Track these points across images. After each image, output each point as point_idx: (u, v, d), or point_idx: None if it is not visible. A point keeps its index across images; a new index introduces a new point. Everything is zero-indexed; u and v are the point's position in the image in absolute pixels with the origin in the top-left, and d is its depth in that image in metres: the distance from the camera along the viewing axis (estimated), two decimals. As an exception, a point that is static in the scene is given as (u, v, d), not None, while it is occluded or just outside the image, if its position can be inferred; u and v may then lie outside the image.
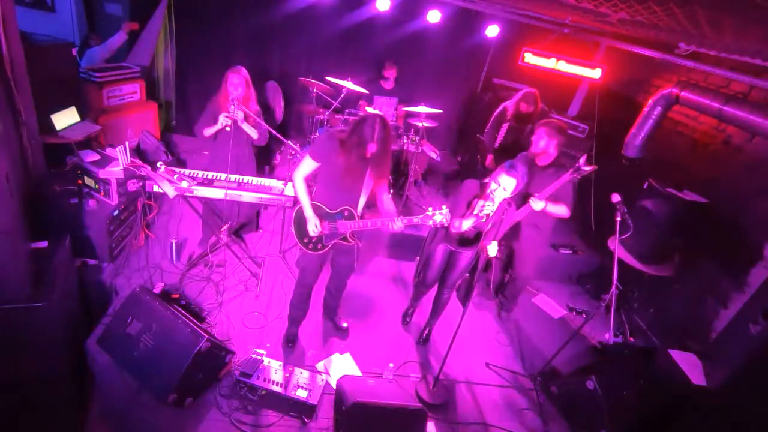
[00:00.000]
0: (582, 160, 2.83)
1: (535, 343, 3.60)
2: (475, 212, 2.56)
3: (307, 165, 2.58)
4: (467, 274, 3.12)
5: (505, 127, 4.18)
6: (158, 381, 2.36)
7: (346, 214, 2.60)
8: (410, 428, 2.42)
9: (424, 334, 3.39)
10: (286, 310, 3.13)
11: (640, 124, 4.11)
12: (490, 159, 4.26)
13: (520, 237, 3.37)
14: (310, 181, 2.69)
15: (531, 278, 3.68)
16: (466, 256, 2.95)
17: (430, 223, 2.41)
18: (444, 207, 2.39)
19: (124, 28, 4.21)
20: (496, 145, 4.26)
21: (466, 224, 2.63)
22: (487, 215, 2.53)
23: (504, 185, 2.49)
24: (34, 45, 3.47)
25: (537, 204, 2.92)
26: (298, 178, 2.59)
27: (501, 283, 3.92)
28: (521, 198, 3.15)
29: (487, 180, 2.64)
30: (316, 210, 2.59)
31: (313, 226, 2.56)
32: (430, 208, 2.40)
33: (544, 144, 3.09)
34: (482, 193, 2.66)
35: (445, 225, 2.45)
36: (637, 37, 4.21)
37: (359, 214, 2.60)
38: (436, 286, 3.20)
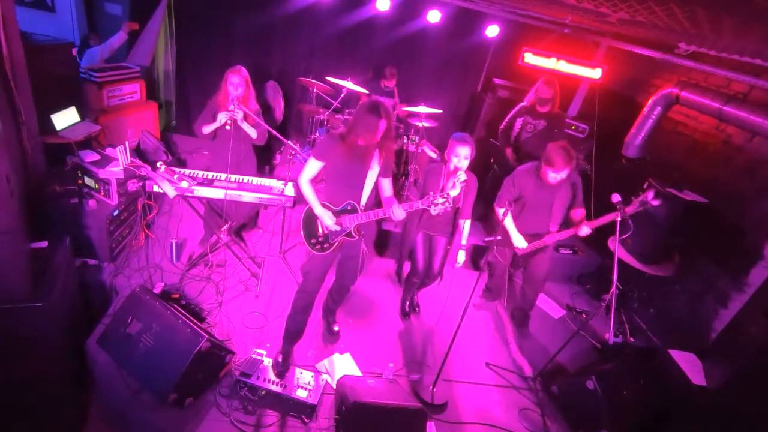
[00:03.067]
0: (650, 195, 2.78)
1: (535, 342, 3.60)
2: (453, 183, 2.71)
3: (312, 167, 2.61)
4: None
5: (519, 122, 4.22)
6: (158, 381, 2.35)
7: (349, 208, 2.63)
8: (410, 428, 2.41)
9: (415, 302, 3.63)
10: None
11: (640, 124, 4.11)
12: (509, 152, 4.32)
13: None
14: (314, 182, 2.71)
15: (544, 281, 3.50)
16: (441, 241, 3.20)
17: (432, 208, 2.48)
18: (446, 193, 2.47)
19: (125, 29, 4.20)
20: (512, 140, 4.30)
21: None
22: (463, 182, 2.72)
23: (463, 155, 2.77)
24: (34, 45, 3.48)
25: (584, 230, 3.06)
26: (304, 182, 2.63)
27: (515, 303, 3.77)
28: (563, 224, 3.23)
29: (445, 157, 2.89)
30: (324, 207, 2.64)
31: (328, 220, 2.60)
32: (431, 192, 2.50)
33: (563, 175, 3.01)
34: (446, 168, 2.90)
35: (449, 209, 2.52)
36: (637, 37, 4.22)
37: (362, 208, 2.63)
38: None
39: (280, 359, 2.81)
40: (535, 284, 3.46)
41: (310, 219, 2.69)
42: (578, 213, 3.23)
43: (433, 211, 2.50)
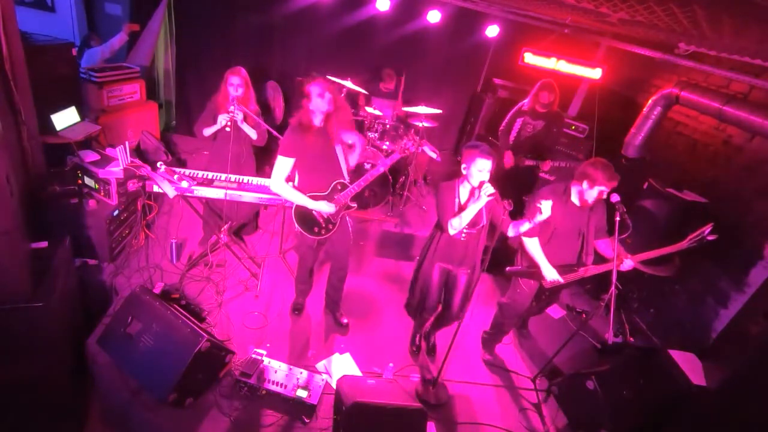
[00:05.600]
0: (707, 230, 2.61)
1: (535, 343, 3.60)
2: (479, 195, 2.43)
3: (284, 165, 2.61)
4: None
5: (519, 122, 4.18)
6: (158, 381, 2.35)
7: (339, 188, 2.71)
8: (410, 428, 2.41)
9: (431, 343, 3.33)
10: (286, 310, 3.37)
11: (640, 124, 4.11)
12: (508, 155, 4.19)
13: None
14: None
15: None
16: (463, 275, 2.81)
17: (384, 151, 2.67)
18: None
19: (125, 30, 4.20)
20: (511, 140, 4.25)
21: (467, 215, 2.48)
22: (491, 195, 2.40)
23: (487, 169, 2.46)
24: (34, 45, 3.47)
25: (627, 264, 2.74)
26: (280, 183, 2.62)
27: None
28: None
29: (462, 173, 2.56)
30: (315, 199, 2.68)
31: (327, 207, 2.67)
32: (384, 146, 2.60)
33: (603, 193, 2.71)
34: (460, 183, 2.62)
35: (473, 232, 2.56)
36: (637, 37, 4.22)
37: (348, 180, 2.74)
38: (439, 308, 3.08)
39: (293, 308, 3.34)
40: (546, 308, 3.43)
41: (304, 214, 2.74)
42: (604, 243, 2.85)
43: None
